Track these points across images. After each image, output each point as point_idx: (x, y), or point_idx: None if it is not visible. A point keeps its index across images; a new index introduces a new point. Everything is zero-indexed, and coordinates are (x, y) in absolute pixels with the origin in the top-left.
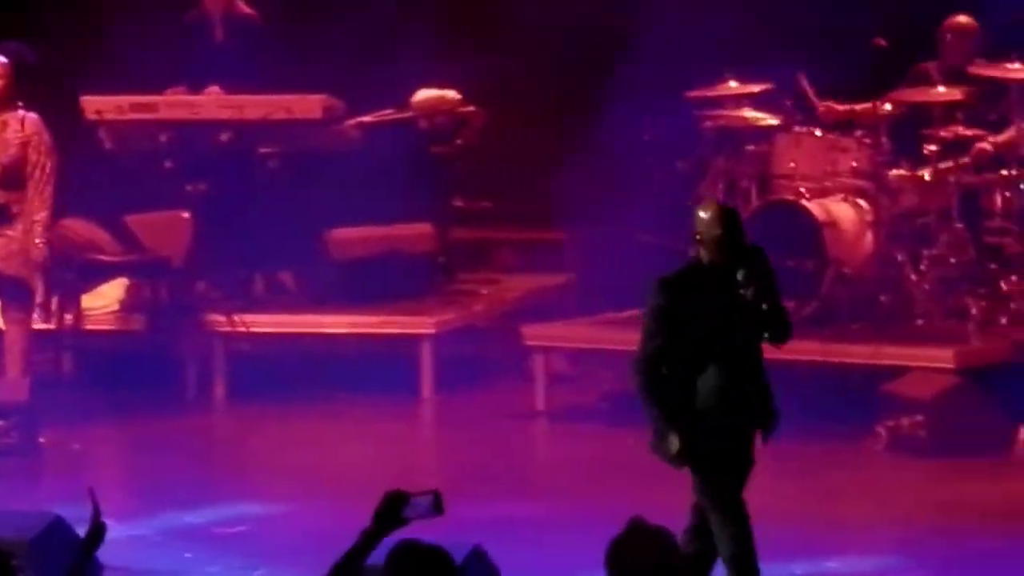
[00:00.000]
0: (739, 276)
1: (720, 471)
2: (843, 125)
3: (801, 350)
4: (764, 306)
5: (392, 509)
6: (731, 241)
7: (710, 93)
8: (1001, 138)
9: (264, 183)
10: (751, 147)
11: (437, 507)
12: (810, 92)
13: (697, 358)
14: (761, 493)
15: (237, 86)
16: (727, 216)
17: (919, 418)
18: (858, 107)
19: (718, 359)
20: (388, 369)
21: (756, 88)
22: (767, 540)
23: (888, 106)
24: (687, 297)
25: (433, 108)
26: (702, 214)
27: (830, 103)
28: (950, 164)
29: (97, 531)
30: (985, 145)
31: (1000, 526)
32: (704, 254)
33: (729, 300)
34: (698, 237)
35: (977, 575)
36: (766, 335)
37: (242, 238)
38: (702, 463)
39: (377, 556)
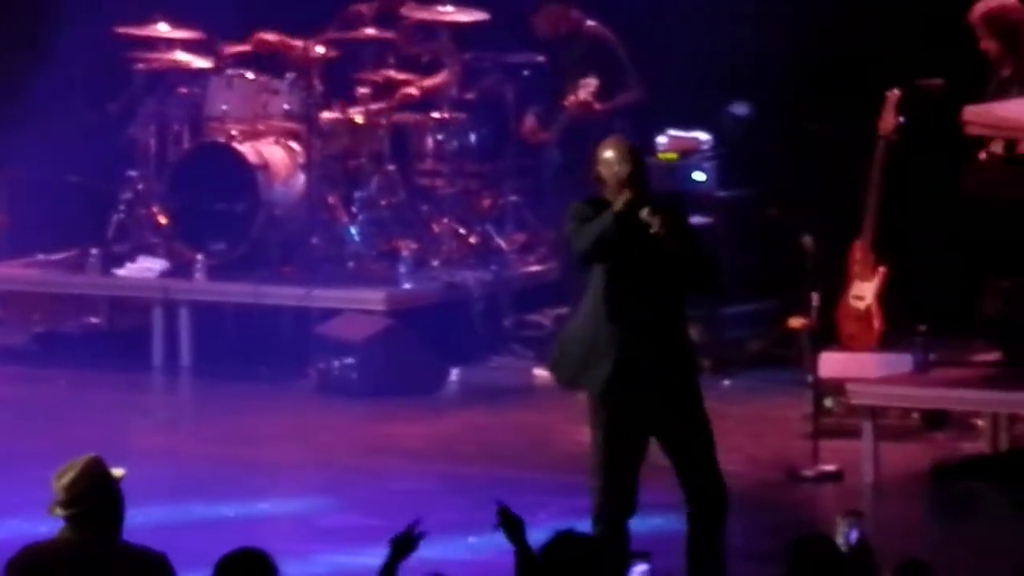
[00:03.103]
0: (643, 213)
1: (602, 415)
2: (275, 66)
3: (232, 292)
4: (676, 251)
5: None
6: (638, 179)
7: (140, 33)
8: (429, 82)
9: None
10: (183, 89)
11: None
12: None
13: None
14: (185, 436)
15: None
16: (634, 153)
17: (350, 360)
18: (291, 42)
19: (618, 300)
20: None
21: (187, 34)
22: (198, 482)
23: (320, 48)
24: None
25: None
26: (606, 153)
27: (262, 35)
28: (381, 107)
29: None
30: (412, 90)
31: (426, 466)
32: (609, 195)
33: (634, 241)
34: (599, 178)
35: (402, 514)
36: (688, 283)
37: None
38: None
39: None
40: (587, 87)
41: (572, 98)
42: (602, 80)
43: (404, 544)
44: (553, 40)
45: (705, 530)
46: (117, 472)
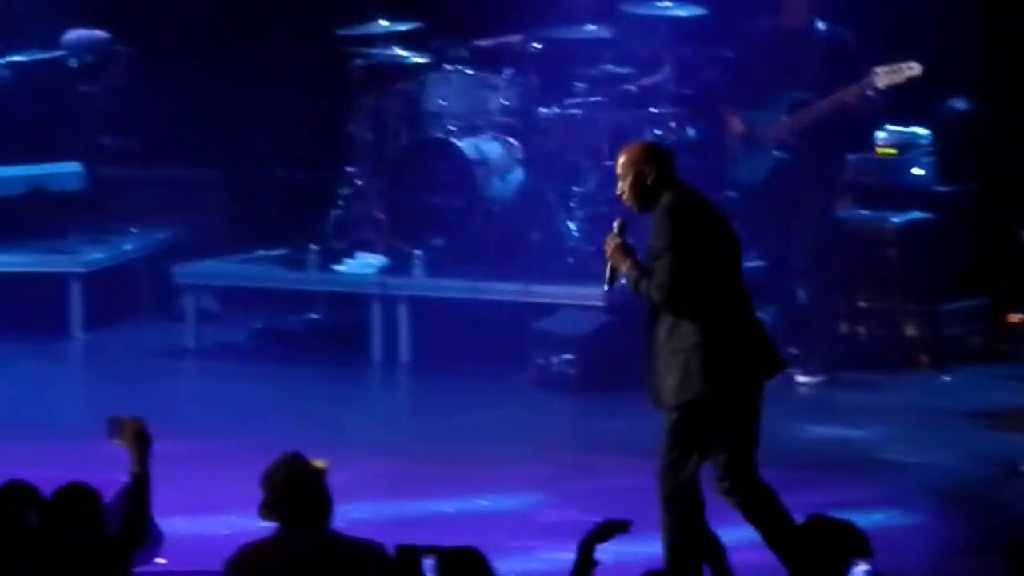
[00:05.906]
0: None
1: None
2: (493, 61)
3: (450, 288)
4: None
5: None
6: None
7: (359, 31)
8: (649, 81)
9: None
10: (401, 85)
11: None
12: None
13: None
14: (404, 432)
15: None
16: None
17: (568, 356)
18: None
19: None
20: (37, 308)
21: (405, 27)
22: (417, 478)
23: (537, 43)
24: None
25: (82, 47)
26: None
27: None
28: (599, 102)
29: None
30: (631, 87)
31: (643, 462)
32: None
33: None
34: None
35: (617, 511)
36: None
37: None
38: None
39: None
40: (911, 70)
41: (871, 78)
42: (840, 81)
43: (606, 530)
44: (793, 32)
45: None
46: (320, 464)
